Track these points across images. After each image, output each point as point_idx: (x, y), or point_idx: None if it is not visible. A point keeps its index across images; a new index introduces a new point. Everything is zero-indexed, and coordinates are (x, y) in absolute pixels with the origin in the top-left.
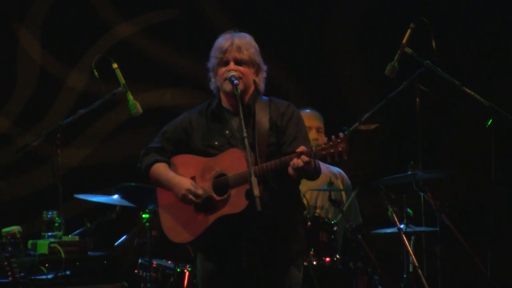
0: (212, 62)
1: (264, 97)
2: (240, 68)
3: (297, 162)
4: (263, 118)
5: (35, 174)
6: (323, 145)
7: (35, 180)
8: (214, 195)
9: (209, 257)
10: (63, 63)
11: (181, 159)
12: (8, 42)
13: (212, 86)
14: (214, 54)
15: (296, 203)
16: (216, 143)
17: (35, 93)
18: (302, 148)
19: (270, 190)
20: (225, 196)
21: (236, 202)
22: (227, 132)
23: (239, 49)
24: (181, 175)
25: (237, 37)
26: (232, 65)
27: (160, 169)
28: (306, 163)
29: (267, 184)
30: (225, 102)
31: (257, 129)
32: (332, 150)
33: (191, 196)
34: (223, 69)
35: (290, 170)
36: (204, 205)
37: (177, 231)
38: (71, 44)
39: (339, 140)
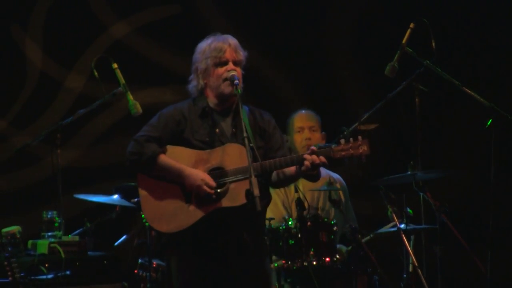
0: (204, 63)
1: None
2: (237, 69)
3: (314, 158)
4: (250, 121)
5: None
6: (342, 145)
7: (34, 179)
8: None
9: (195, 250)
10: (62, 64)
11: (170, 151)
12: (7, 43)
13: (194, 89)
14: (209, 54)
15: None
16: (207, 139)
17: (33, 94)
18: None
19: (260, 190)
20: (224, 189)
21: (235, 196)
22: (217, 130)
23: (236, 50)
24: None
25: (230, 38)
26: (231, 65)
27: (168, 158)
28: (323, 162)
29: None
30: (213, 103)
31: (247, 131)
32: (352, 151)
33: (205, 188)
34: (221, 69)
35: (299, 168)
36: (196, 197)
37: (164, 221)
38: (69, 46)
39: (360, 143)
